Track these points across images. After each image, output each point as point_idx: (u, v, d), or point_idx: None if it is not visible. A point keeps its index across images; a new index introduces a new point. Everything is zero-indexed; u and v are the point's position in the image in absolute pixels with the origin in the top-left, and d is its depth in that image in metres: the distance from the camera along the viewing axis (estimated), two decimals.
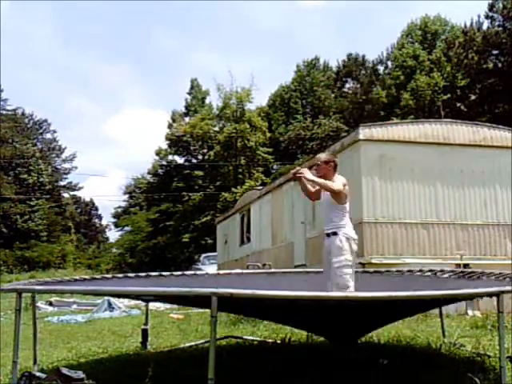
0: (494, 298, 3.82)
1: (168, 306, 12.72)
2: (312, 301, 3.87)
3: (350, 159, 11.66)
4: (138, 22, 78.20)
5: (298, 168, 5.49)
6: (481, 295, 4.20)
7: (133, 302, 13.11)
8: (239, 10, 72.34)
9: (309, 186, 5.44)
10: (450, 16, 40.73)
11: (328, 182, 5.21)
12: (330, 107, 43.19)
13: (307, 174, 5.27)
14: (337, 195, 5.22)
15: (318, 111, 44.11)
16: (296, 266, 13.13)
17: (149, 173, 49.57)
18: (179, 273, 7.71)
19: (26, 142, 50.43)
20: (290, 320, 5.97)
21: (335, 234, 5.22)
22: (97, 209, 64.82)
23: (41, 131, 55.09)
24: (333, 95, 44.79)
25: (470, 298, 6.94)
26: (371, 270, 9.28)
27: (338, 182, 5.24)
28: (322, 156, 5.49)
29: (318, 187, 5.37)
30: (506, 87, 30.03)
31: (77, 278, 6.59)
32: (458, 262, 10.51)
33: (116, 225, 53.61)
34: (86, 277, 6.95)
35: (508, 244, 11.53)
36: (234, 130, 40.00)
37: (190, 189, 42.71)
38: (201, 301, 4.69)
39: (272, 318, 6.57)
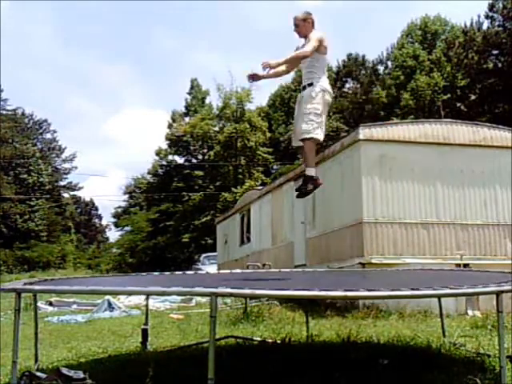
0: (494, 298, 3.81)
1: (168, 305, 12.73)
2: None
3: (350, 159, 11.67)
4: (137, 21, 78.36)
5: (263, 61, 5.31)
6: (480, 295, 4.19)
7: (133, 302, 13.11)
8: (239, 10, 72.43)
9: (279, 69, 5.39)
10: (450, 16, 40.69)
11: (297, 53, 5.25)
12: (329, 107, 43.14)
13: (271, 61, 5.21)
14: (316, 50, 5.20)
15: None
16: (296, 266, 13.13)
17: (149, 173, 49.59)
18: (179, 272, 7.71)
19: (26, 141, 50.46)
20: None
21: (311, 84, 5.25)
22: (97, 209, 64.97)
23: (41, 131, 55.14)
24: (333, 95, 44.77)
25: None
26: (370, 269, 9.30)
27: (312, 38, 5.20)
28: (299, 15, 5.49)
29: (288, 64, 5.37)
30: (506, 87, 30.04)
31: (77, 276, 6.59)
32: (458, 261, 10.52)
33: (116, 225, 53.64)
34: (86, 276, 6.95)
35: (508, 244, 11.53)
36: (234, 130, 40.01)
37: (190, 189, 42.71)
38: None
39: None
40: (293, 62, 5.39)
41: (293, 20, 5.49)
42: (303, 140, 5.21)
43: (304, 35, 5.42)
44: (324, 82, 5.31)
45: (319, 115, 5.20)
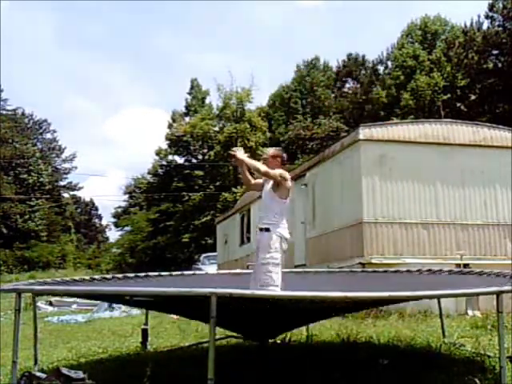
0: (494, 298, 3.82)
1: None
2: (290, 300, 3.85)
3: (349, 159, 11.66)
4: (137, 21, 78.27)
5: (234, 148, 5.40)
6: (480, 295, 4.19)
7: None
8: (239, 10, 72.41)
9: (247, 175, 5.40)
10: (450, 16, 40.56)
11: (257, 163, 5.18)
12: (330, 107, 43.19)
13: (239, 153, 5.20)
14: (276, 186, 5.14)
15: (318, 111, 44.08)
16: (296, 266, 13.13)
17: (149, 173, 49.57)
18: (179, 273, 7.72)
19: (26, 141, 50.44)
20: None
21: (268, 230, 5.13)
22: (97, 209, 64.89)
23: (41, 131, 55.10)
24: (333, 95, 44.80)
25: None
26: (370, 269, 9.30)
27: (275, 170, 5.15)
28: (270, 150, 5.50)
29: (259, 179, 5.37)
30: (506, 87, 30.03)
31: (77, 278, 6.58)
32: (458, 261, 10.51)
33: (116, 225, 53.62)
34: (86, 277, 6.94)
35: (508, 244, 11.53)
36: (234, 130, 39.99)
37: (190, 189, 42.70)
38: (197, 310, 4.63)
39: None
40: (249, 166, 5.27)
41: (263, 153, 5.49)
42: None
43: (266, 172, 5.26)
44: (282, 229, 5.14)
45: (277, 265, 5.02)
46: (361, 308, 6.59)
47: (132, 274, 6.93)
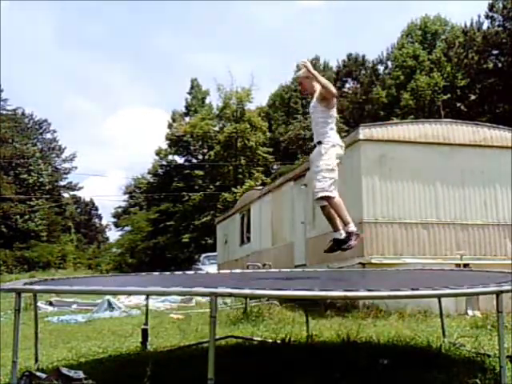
0: (494, 298, 3.81)
1: (168, 305, 12.73)
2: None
3: (349, 159, 11.63)
4: (137, 21, 78.29)
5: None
6: (480, 295, 4.19)
7: (133, 302, 13.11)
8: (239, 10, 72.42)
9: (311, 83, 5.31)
10: (450, 16, 40.95)
11: (328, 83, 5.17)
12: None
13: (310, 67, 5.19)
14: (328, 100, 5.19)
15: None
16: (296, 266, 13.13)
17: (149, 173, 49.61)
18: (179, 272, 7.71)
19: (26, 142, 50.48)
20: None
21: (320, 143, 5.23)
22: (97, 209, 64.97)
23: (41, 131, 55.15)
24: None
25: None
26: (371, 269, 9.30)
27: (330, 86, 5.18)
28: (300, 73, 5.45)
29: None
30: (506, 87, 30.04)
31: (77, 276, 6.59)
32: (458, 261, 10.52)
33: (116, 225, 53.69)
34: (87, 276, 6.95)
35: (508, 244, 11.53)
36: (234, 130, 40.02)
37: (190, 189, 42.72)
38: None
39: None
40: (320, 83, 5.22)
41: (295, 80, 5.53)
42: (320, 199, 5.12)
43: (310, 92, 5.37)
44: (333, 137, 5.25)
45: (332, 170, 5.11)
46: None
47: (133, 274, 6.94)
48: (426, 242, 11.16)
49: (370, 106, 38.64)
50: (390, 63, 41.48)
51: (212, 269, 20.06)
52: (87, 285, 5.11)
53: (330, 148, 5.16)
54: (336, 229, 5.36)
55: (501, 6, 31.76)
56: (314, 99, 5.33)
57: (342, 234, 5.30)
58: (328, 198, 5.12)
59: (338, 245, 5.36)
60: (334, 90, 5.21)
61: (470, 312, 9.49)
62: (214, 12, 72.37)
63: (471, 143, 11.79)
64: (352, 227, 5.23)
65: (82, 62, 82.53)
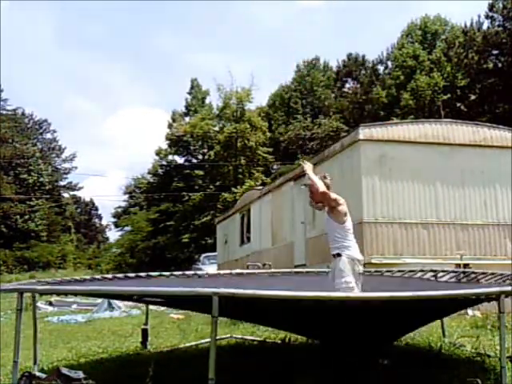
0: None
1: None
2: (313, 301, 3.86)
3: (349, 159, 11.66)
4: (137, 21, 78.27)
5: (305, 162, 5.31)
6: (481, 295, 4.18)
7: (133, 302, 13.11)
8: (239, 10, 72.41)
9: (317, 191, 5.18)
10: (450, 16, 40.83)
11: (318, 182, 5.07)
12: (329, 107, 43.19)
13: (308, 168, 5.16)
14: (331, 211, 5.11)
15: (318, 111, 44.12)
16: (296, 266, 13.13)
17: (149, 173, 49.58)
18: (179, 273, 7.71)
19: (26, 142, 50.47)
20: (289, 324, 5.90)
21: (339, 255, 5.10)
22: (97, 209, 64.88)
23: (41, 131, 55.13)
24: (333, 95, 44.80)
25: (471, 300, 6.91)
26: (372, 269, 9.29)
27: (332, 194, 5.09)
28: (308, 181, 5.28)
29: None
30: (506, 87, 30.03)
31: (77, 278, 6.59)
32: (458, 261, 10.52)
33: (116, 225, 53.62)
34: (87, 277, 6.95)
35: (508, 244, 11.53)
36: (234, 130, 40.00)
37: (190, 189, 42.70)
38: (200, 304, 4.64)
39: (270, 322, 6.47)
40: (311, 182, 5.16)
41: (311, 191, 5.25)
42: None
43: (320, 201, 5.25)
44: (352, 251, 5.11)
45: (351, 289, 4.87)
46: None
47: (133, 274, 6.94)
48: (426, 242, 11.15)
49: (370, 106, 38.62)
50: (390, 63, 41.47)
51: (212, 269, 20.05)
52: (88, 285, 5.11)
53: (348, 264, 5.01)
54: None
55: (501, 5, 31.74)
56: (326, 210, 5.22)
57: None
58: None
59: None
60: (320, 188, 5.04)
61: (470, 312, 9.49)
62: (214, 12, 72.40)
63: (471, 143, 11.79)
64: None
65: (82, 62, 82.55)
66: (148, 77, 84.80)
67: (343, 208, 5.14)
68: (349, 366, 4.67)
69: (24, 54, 78.15)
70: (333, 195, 5.12)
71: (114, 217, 54.92)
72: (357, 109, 40.09)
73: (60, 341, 7.69)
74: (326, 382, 4.37)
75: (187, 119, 47.26)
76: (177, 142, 45.80)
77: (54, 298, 14.08)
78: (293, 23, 72.06)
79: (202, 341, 6.49)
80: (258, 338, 6.76)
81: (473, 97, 33.31)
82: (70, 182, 55.34)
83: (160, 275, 6.85)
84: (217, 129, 43.41)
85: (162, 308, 12.37)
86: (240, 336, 6.89)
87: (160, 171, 48.27)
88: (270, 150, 41.71)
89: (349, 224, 5.22)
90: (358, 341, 5.13)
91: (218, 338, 5.47)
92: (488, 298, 3.98)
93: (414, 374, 4.41)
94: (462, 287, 4.94)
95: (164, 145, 47.48)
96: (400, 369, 4.57)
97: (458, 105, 33.17)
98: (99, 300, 12.63)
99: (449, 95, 33.33)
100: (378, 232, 10.93)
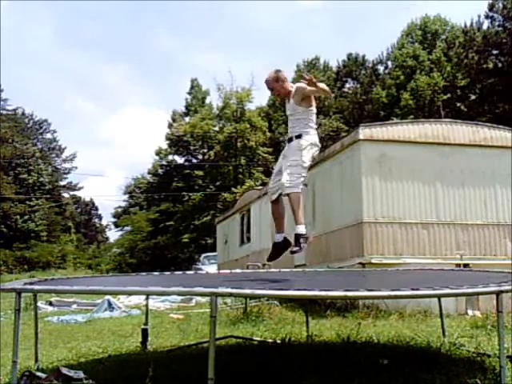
0: (494, 298, 3.81)
1: (168, 305, 12.73)
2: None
3: (349, 159, 11.66)
4: (137, 22, 78.30)
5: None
6: (480, 294, 4.19)
7: (133, 302, 13.11)
8: (239, 10, 72.44)
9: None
10: (450, 16, 40.77)
11: (324, 86, 4.99)
12: (330, 107, 43.21)
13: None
14: (303, 99, 5.02)
15: (318, 111, 44.01)
16: (296, 266, 13.12)
17: (149, 173, 49.61)
18: (180, 272, 7.71)
19: (25, 142, 50.48)
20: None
21: (299, 136, 5.02)
22: (97, 209, 64.94)
23: (41, 131, 55.17)
24: (333, 95, 44.81)
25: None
26: (371, 269, 9.30)
27: (299, 89, 5.01)
28: (269, 78, 5.18)
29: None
30: (506, 87, 30.04)
31: (77, 276, 6.59)
32: (458, 261, 10.53)
33: (116, 225, 53.65)
34: (87, 276, 6.95)
35: (508, 244, 11.53)
36: (234, 130, 40.03)
37: (190, 189, 42.72)
38: None
39: None
40: (319, 93, 5.14)
41: (266, 85, 5.19)
42: (287, 194, 4.92)
43: (285, 94, 5.18)
44: (312, 136, 5.07)
45: (305, 168, 4.93)
46: None
47: (133, 274, 6.94)
48: (425, 242, 11.15)
49: (370, 106, 38.65)
50: (390, 63, 41.48)
51: (212, 269, 20.05)
52: (87, 285, 5.10)
53: (308, 146, 4.99)
54: (280, 230, 5.18)
55: (501, 5, 31.76)
56: (292, 100, 5.11)
57: (279, 238, 5.10)
58: (294, 194, 4.92)
59: (279, 249, 5.11)
60: (327, 88, 5.05)
61: (469, 312, 9.50)
62: (214, 12, 72.42)
63: (471, 143, 11.79)
64: (301, 229, 4.92)
65: (82, 62, 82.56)
66: (148, 77, 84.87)
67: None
68: (349, 366, 4.67)
69: (24, 53, 78.24)
70: (306, 88, 4.99)
71: (114, 217, 54.99)
72: (357, 109, 40.12)
73: (60, 341, 7.68)
74: (326, 382, 4.36)
75: (187, 119, 47.28)
76: (177, 142, 45.82)
77: (54, 298, 14.06)
78: (293, 23, 72.16)
79: (202, 341, 6.48)
80: (258, 338, 6.76)
81: (473, 97, 33.34)
82: (70, 182, 55.43)
83: (160, 275, 6.85)
84: (217, 129, 43.43)
85: (162, 308, 12.38)
86: (240, 336, 6.89)
87: (160, 171, 48.30)
88: (270, 150, 41.70)
89: (314, 108, 5.16)
90: None
91: (217, 337, 5.47)
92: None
93: (413, 374, 4.41)
94: (461, 286, 4.93)
95: (164, 145, 47.57)
96: (400, 369, 4.56)
97: (458, 105, 33.20)
98: (99, 300, 12.62)
99: (449, 95, 33.36)
100: (378, 232, 10.93)
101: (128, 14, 76.76)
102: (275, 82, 5.16)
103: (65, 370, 4.23)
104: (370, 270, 9.38)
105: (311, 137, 5.06)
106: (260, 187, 21.90)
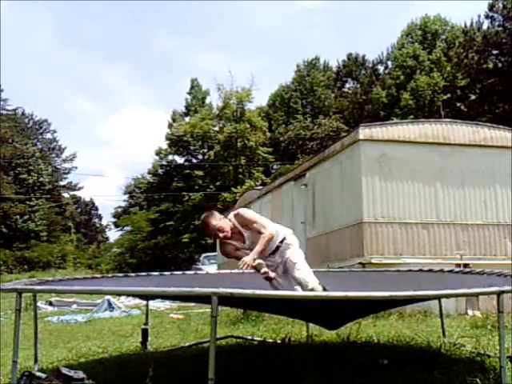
0: (494, 298, 3.81)
1: (168, 305, 12.73)
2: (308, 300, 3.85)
3: (349, 159, 11.66)
4: (137, 21, 78.30)
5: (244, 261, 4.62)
6: (481, 295, 4.19)
7: (133, 302, 13.11)
8: (239, 10, 72.45)
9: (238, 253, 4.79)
10: (450, 16, 40.70)
11: (264, 240, 4.62)
12: (330, 107, 43.23)
13: (250, 260, 4.58)
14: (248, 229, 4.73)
15: (318, 111, 44.13)
16: None
17: (149, 173, 49.61)
18: (180, 272, 7.71)
19: (25, 142, 50.47)
20: (289, 312, 5.91)
21: (278, 248, 4.76)
22: (97, 209, 64.93)
23: (41, 131, 55.17)
24: (333, 95, 44.82)
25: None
26: (370, 269, 9.30)
27: (251, 221, 4.72)
28: (209, 223, 4.70)
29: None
30: (506, 87, 30.03)
31: (77, 277, 6.59)
32: (458, 261, 10.52)
33: (116, 225, 53.63)
34: (87, 276, 6.95)
35: (508, 244, 11.53)
36: (234, 130, 40.04)
37: (190, 189, 42.73)
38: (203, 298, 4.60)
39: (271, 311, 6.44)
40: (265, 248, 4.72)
41: (208, 233, 4.82)
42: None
43: (225, 232, 4.69)
44: (289, 238, 4.83)
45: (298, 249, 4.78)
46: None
47: (133, 274, 6.94)
48: (425, 242, 11.15)
49: (370, 106, 38.65)
50: (390, 63, 41.49)
51: (212, 269, 20.04)
52: (87, 285, 5.11)
53: (277, 238, 4.73)
54: None
55: (501, 5, 31.76)
56: (242, 230, 4.73)
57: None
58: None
59: None
60: (268, 234, 4.65)
61: (469, 312, 9.49)
62: (214, 12, 72.42)
63: (471, 143, 11.79)
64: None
65: (82, 62, 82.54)
66: (148, 77, 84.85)
67: (258, 216, 4.82)
68: (349, 366, 4.67)
69: (24, 53, 78.21)
70: (263, 225, 4.74)
71: (114, 217, 54.97)
72: (357, 109, 40.12)
73: (60, 341, 7.68)
74: (326, 382, 4.36)
75: (187, 119, 47.29)
76: (177, 142, 45.82)
77: (54, 298, 14.07)
78: (293, 23, 72.14)
79: (202, 341, 6.48)
80: (258, 338, 6.76)
81: (473, 97, 33.35)
82: (70, 182, 55.43)
83: (160, 275, 6.85)
84: (217, 129, 43.45)
85: (162, 308, 12.39)
86: (240, 336, 6.89)
87: (160, 171, 48.30)
88: (270, 150, 41.72)
89: (270, 226, 4.79)
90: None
91: (217, 337, 5.48)
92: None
93: (413, 374, 4.41)
94: (461, 286, 4.93)
95: (164, 145, 47.58)
96: (400, 369, 4.56)
97: (458, 105, 33.21)
98: (99, 300, 12.63)
99: (449, 95, 33.37)
100: (378, 232, 10.93)
101: (128, 14, 76.82)
102: (218, 221, 4.71)
103: (65, 370, 4.23)
104: (369, 270, 9.38)
105: (287, 239, 4.82)
106: (260, 187, 21.90)
